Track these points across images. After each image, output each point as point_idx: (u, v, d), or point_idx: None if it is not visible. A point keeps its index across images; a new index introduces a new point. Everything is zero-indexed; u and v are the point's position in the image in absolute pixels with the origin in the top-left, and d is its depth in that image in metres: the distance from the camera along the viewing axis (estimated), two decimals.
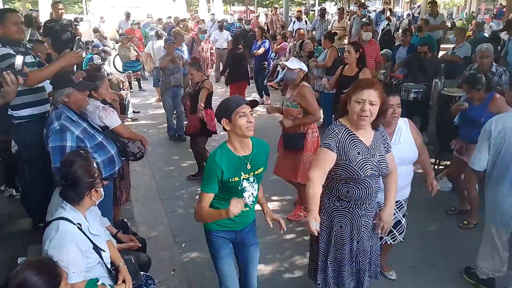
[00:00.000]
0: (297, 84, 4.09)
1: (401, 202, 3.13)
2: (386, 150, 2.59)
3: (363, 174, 2.43)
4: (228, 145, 2.45)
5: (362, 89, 2.39)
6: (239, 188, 2.45)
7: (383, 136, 2.61)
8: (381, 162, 2.49)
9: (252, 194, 2.53)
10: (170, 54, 7.02)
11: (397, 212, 3.10)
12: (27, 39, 3.60)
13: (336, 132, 2.49)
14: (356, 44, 5.44)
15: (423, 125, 6.59)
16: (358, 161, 2.43)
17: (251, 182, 2.49)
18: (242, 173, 2.43)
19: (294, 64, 4.08)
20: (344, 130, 2.49)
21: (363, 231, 2.60)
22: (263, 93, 9.46)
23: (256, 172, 2.50)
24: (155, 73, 9.32)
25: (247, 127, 2.35)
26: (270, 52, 9.65)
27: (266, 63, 9.31)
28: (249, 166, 2.45)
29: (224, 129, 2.43)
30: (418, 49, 6.76)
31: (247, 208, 2.53)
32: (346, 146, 2.45)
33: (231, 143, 2.44)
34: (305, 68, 4.14)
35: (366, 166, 2.44)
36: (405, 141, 2.98)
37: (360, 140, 2.48)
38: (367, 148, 2.48)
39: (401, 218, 3.18)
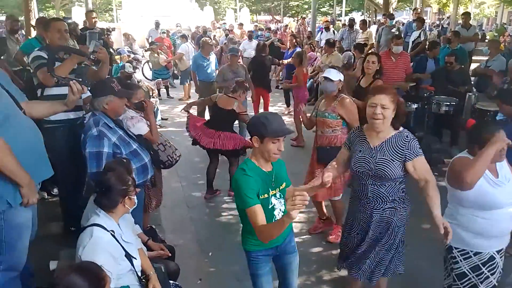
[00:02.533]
0: (336, 95, 4.01)
1: (502, 249, 2.76)
2: (399, 156, 2.67)
3: (355, 169, 2.77)
4: (253, 160, 2.44)
5: (375, 94, 2.67)
6: (269, 206, 2.42)
7: (402, 142, 2.68)
8: (379, 164, 2.67)
9: (281, 210, 2.50)
10: (232, 64, 7.03)
11: (499, 262, 2.75)
12: (91, 50, 3.72)
13: (352, 132, 2.96)
14: (379, 56, 5.37)
15: (453, 139, 6.44)
16: (356, 157, 2.77)
17: (278, 198, 2.49)
18: (269, 189, 2.42)
19: (335, 75, 4.00)
20: (358, 131, 2.88)
21: (361, 224, 2.88)
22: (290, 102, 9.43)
23: (281, 187, 2.51)
24: (185, 73, 9.73)
25: (275, 154, 2.35)
26: None
27: None
28: (273, 184, 2.45)
29: (250, 139, 2.42)
30: (445, 59, 6.66)
31: None
32: (354, 144, 2.85)
33: (256, 158, 2.43)
34: (342, 79, 4.09)
35: (360, 162, 2.74)
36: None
37: (367, 141, 2.77)
38: (371, 148, 2.73)
39: (500, 267, 2.78)
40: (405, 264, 3.02)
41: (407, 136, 2.71)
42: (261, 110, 8.17)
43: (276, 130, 2.30)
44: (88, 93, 4.06)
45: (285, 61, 9.12)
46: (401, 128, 2.76)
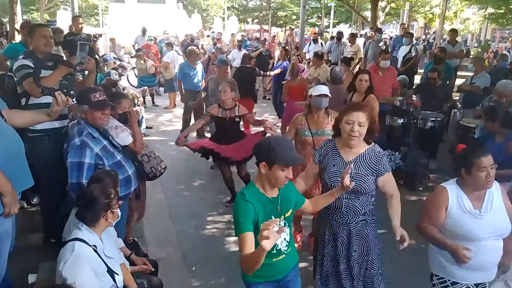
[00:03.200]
0: (326, 111, 3.96)
1: (485, 284, 2.66)
2: (372, 171, 2.73)
3: (329, 183, 2.75)
4: (257, 185, 2.29)
5: (352, 111, 2.68)
6: None
7: (376, 157, 2.74)
8: (354, 179, 2.65)
9: (285, 239, 2.38)
10: (219, 76, 6.88)
11: None
12: (77, 61, 3.64)
13: (322, 145, 2.92)
14: (369, 73, 5.43)
15: (432, 153, 6.53)
16: (330, 172, 2.77)
17: (282, 226, 2.32)
18: (273, 217, 2.25)
19: (327, 90, 3.95)
20: (331, 144, 2.86)
21: (336, 239, 2.85)
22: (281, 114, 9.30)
23: (286, 215, 2.36)
24: (170, 82, 9.80)
25: (282, 182, 2.23)
26: None
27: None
28: (279, 210, 2.31)
29: (256, 164, 2.25)
30: (428, 75, 6.80)
31: (283, 256, 2.39)
32: (326, 158, 2.82)
33: (260, 183, 2.29)
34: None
35: (334, 177, 2.74)
36: (498, 210, 2.54)
37: (340, 155, 2.78)
38: (345, 163, 2.74)
39: None
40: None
41: (379, 152, 2.78)
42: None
43: (287, 158, 2.17)
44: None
45: (272, 73, 9.08)
46: (372, 143, 2.82)
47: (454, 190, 2.57)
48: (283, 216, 2.33)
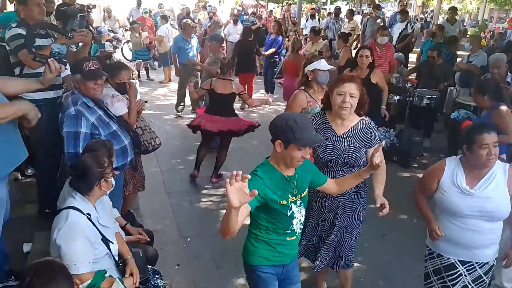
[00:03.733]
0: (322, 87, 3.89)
1: (472, 264, 2.61)
2: (364, 142, 2.73)
3: (323, 157, 2.74)
4: (272, 162, 2.20)
5: (343, 82, 2.65)
6: (288, 214, 2.19)
7: (367, 129, 2.75)
8: (347, 152, 2.70)
9: (300, 220, 2.29)
10: (213, 51, 6.93)
11: (465, 275, 2.64)
12: (70, 28, 3.57)
13: (313, 119, 2.84)
14: (371, 49, 5.39)
15: (427, 131, 6.57)
16: (322, 146, 2.72)
17: (298, 207, 2.25)
18: (289, 195, 2.18)
19: (328, 65, 3.90)
20: (322, 118, 2.82)
21: (327, 211, 2.88)
22: (269, 90, 9.32)
23: (302, 195, 2.28)
24: (164, 56, 9.72)
25: (298, 161, 2.13)
26: (282, 48, 9.53)
27: (277, 58, 9.13)
28: (295, 190, 2.22)
29: (272, 141, 2.15)
30: (428, 54, 6.77)
31: (295, 237, 2.32)
32: (318, 130, 2.74)
33: (276, 161, 2.19)
34: None
35: (327, 151, 2.72)
36: (495, 192, 2.45)
37: (332, 129, 2.75)
38: (337, 137, 2.73)
39: (468, 283, 2.64)
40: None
41: (370, 123, 2.79)
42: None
43: (306, 139, 2.07)
44: (67, 72, 3.94)
45: (267, 53, 8.98)
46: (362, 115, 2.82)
47: (453, 165, 2.56)
48: (299, 196, 2.25)
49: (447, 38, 8.03)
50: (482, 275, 2.61)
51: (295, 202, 2.22)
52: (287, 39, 11.12)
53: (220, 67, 5.23)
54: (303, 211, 2.30)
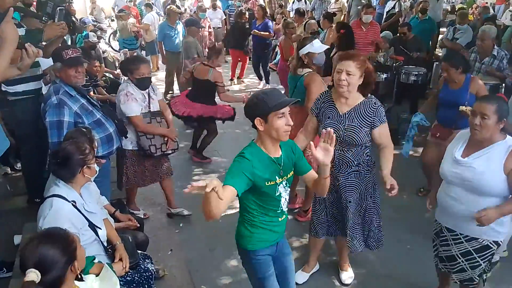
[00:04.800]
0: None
1: (456, 234, 2.63)
2: (366, 122, 2.72)
3: None
4: (258, 144, 2.16)
5: (342, 60, 2.69)
6: (276, 194, 2.19)
7: (370, 108, 2.73)
8: (347, 130, 2.71)
9: (286, 199, 2.30)
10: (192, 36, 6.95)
11: (451, 244, 2.67)
12: (45, 12, 3.49)
13: (318, 98, 2.93)
14: (339, 25, 5.38)
15: (412, 108, 6.58)
16: (325, 124, 2.74)
17: (284, 187, 2.25)
18: (276, 177, 2.17)
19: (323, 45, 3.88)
20: (326, 96, 2.86)
21: (330, 190, 2.84)
22: (264, 77, 9.02)
23: (288, 176, 2.26)
24: (151, 44, 9.77)
25: (285, 131, 2.07)
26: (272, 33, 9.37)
27: (269, 44, 8.94)
28: (281, 172, 2.20)
29: (253, 126, 2.12)
30: (398, 30, 6.94)
31: (284, 216, 2.33)
32: (322, 110, 2.84)
33: (262, 143, 2.15)
34: None
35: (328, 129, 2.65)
36: (482, 162, 2.43)
37: (335, 107, 2.78)
38: (339, 115, 2.75)
39: (457, 255, 2.65)
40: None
41: (375, 103, 2.76)
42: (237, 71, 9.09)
43: (278, 102, 2.03)
44: (49, 63, 3.90)
45: (262, 33, 8.69)
46: (368, 95, 2.79)
47: (461, 136, 2.61)
48: (286, 177, 2.24)
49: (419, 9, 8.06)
50: (472, 251, 2.57)
51: (281, 183, 2.21)
52: (274, 22, 11.05)
53: (207, 53, 5.20)
54: (288, 190, 2.30)
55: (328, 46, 3.94)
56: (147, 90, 3.67)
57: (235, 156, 2.14)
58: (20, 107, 3.59)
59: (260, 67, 8.91)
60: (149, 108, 3.68)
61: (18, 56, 3.21)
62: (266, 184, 2.12)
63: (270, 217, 2.24)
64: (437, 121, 4.25)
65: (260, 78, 9.10)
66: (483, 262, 2.59)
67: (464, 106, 3.72)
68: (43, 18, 3.52)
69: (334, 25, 6.73)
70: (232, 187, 1.95)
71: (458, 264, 2.65)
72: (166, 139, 3.75)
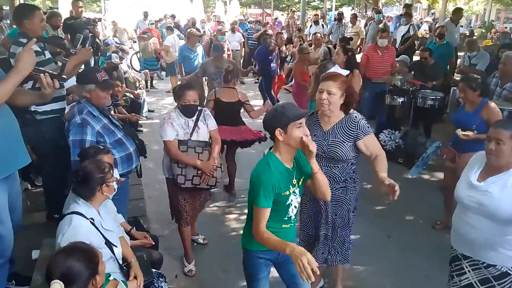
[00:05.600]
0: None
1: (474, 260, 2.55)
2: (349, 136, 2.82)
3: None
4: (277, 155, 2.28)
5: (324, 80, 2.82)
6: (287, 203, 2.31)
7: (351, 123, 2.84)
8: (331, 146, 2.82)
9: (295, 206, 2.39)
10: (216, 60, 6.78)
11: (469, 271, 2.59)
12: (79, 44, 3.66)
13: (307, 118, 2.94)
14: (346, 47, 5.41)
15: (426, 132, 6.59)
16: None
17: (295, 195, 2.36)
18: (290, 186, 2.30)
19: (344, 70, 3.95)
20: (314, 116, 2.97)
21: (318, 206, 2.98)
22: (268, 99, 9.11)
23: (299, 183, 2.39)
24: (171, 65, 9.89)
25: (303, 141, 2.19)
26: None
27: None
28: (294, 181, 2.33)
29: (271, 138, 2.27)
30: (419, 55, 6.91)
31: (291, 224, 2.42)
32: (309, 128, 2.72)
33: (280, 153, 2.27)
34: None
35: None
36: (499, 188, 2.37)
37: (320, 125, 2.90)
38: (324, 132, 2.86)
39: (475, 282, 2.55)
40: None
41: (356, 117, 2.87)
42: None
43: (297, 113, 2.20)
44: (72, 83, 4.04)
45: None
46: (351, 111, 2.89)
47: (477, 159, 2.56)
48: (297, 185, 2.36)
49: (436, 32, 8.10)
50: (492, 279, 2.48)
51: (294, 192, 2.33)
52: (291, 46, 11.22)
53: (224, 76, 5.14)
54: (299, 198, 2.41)
55: (348, 71, 3.95)
56: (193, 117, 3.55)
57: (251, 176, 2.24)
58: (46, 126, 3.73)
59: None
60: (190, 136, 3.51)
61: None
62: (282, 194, 2.25)
63: (274, 222, 2.29)
64: (450, 143, 4.23)
65: (265, 99, 9.17)
66: None
67: (460, 130, 3.73)
68: (71, 50, 3.66)
69: (338, 49, 6.81)
70: (269, 209, 2.21)
71: None
72: (199, 171, 3.51)
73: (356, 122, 2.84)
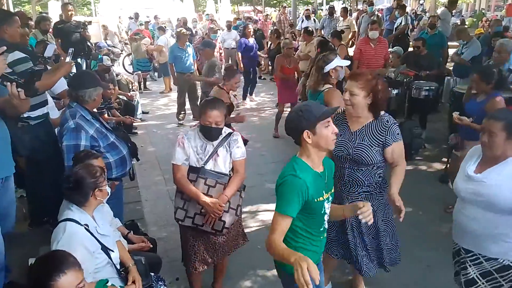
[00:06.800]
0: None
1: (475, 254, 2.52)
2: (378, 141, 2.68)
3: (334, 152, 2.71)
4: (304, 159, 2.10)
5: (348, 79, 2.74)
6: (322, 211, 2.14)
7: (382, 127, 2.69)
8: (356, 149, 2.69)
9: (328, 216, 2.26)
10: (206, 57, 6.92)
11: (470, 266, 2.55)
12: (49, 55, 3.60)
13: (335, 116, 2.83)
14: (324, 43, 5.44)
15: (422, 123, 6.55)
16: (336, 141, 2.53)
17: (328, 203, 2.21)
18: (323, 192, 2.12)
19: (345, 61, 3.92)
20: (341, 115, 2.84)
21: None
22: (249, 92, 9.52)
23: (332, 191, 2.25)
24: (165, 66, 9.83)
25: (333, 139, 2.08)
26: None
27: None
28: (327, 186, 2.18)
29: (296, 142, 2.11)
30: (413, 44, 6.93)
31: (325, 235, 2.32)
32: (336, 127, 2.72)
33: (308, 157, 2.10)
34: None
35: (339, 146, 2.69)
36: (495, 178, 2.34)
37: (347, 125, 2.78)
38: (350, 133, 2.75)
39: (477, 277, 2.51)
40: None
41: (387, 121, 2.70)
42: None
43: (323, 111, 2.04)
44: (63, 87, 3.99)
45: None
46: (382, 113, 2.74)
47: (475, 151, 2.53)
48: (329, 192, 2.21)
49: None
50: (493, 272, 2.45)
51: (327, 199, 2.18)
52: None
53: (225, 74, 4.99)
54: (330, 207, 2.26)
55: (349, 62, 3.93)
56: (215, 142, 2.88)
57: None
58: (40, 130, 3.70)
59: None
60: (204, 164, 2.86)
61: None
62: (316, 200, 2.08)
63: (313, 235, 2.17)
64: (458, 133, 4.21)
65: (244, 98, 9.30)
66: (506, 283, 2.43)
67: (457, 113, 3.72)
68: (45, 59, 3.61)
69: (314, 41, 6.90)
70: (291, 218, 1.99)
71: None
72: (203, 209, 2.88)
73: (387, 127, 2.68)
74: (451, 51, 7.92)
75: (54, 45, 3.90)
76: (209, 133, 2.82)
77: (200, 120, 2.84)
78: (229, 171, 2.93)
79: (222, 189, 2.87)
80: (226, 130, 2.93)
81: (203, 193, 2.83)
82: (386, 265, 3.00)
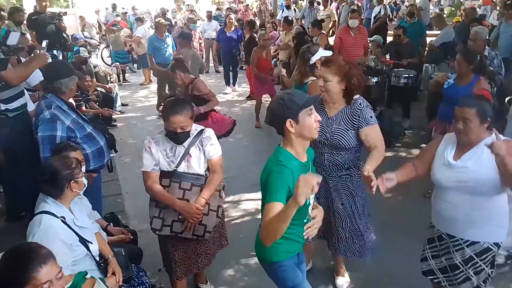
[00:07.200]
0: None
1: (457, 239, 2.52)
2: (352, 125, 2.73)
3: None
4: (288, 149, 2.07)
5: (321, 65, 2.80)
6: (307, 202, 2.03)
7: (355, 111, 2.73)
8: (333, 134, 2.74)
9: (310, 203, 2.20)
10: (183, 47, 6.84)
11: (453, 252, 2.56)
12: (12, 43, 3.50)
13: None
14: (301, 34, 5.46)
15: (405, 111, 6.62)
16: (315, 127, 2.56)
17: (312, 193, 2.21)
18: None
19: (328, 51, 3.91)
20: (319, 102, 2.81)
21: (320, 193, 2.88)
22: (232, 82, 9.48)
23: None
24: (143, 57, 9.65)
25: (316, 127, 2.05)
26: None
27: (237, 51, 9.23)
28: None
29: (279, 132, 2.07)
30: (393, 32, 6.94)
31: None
32: None
33: (292, 147, 2.07)
34: None
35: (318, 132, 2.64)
36: (475, 162, 2.37)
37: (325, 111, 2.80)
38: (327, 118, 2.78)
39: (459, 263, 2.53)
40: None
41: (360, 104, 2.75)
42: None
43: (307, 99, 2.03)
44: (39, 79, 3.90)
45: None
46: (356, 96, 2.77)
47: (449, 139, 2.55)
48: None
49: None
50: (474, 256, 2.49)
51: None
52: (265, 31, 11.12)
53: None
54: (314, 197, 2.22)
55: (331, 52, 3.91)
56: (186, 143, 2.71)
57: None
58: (19, 122, 3.64)
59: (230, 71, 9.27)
60: (176, 167, 2.70)
61: None
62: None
63: (297, 226, 2.13)
64: (437, 116, 4.24)
65: (228, 84, 9.36)
66: (486, 266, 2.49)
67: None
68: (3, 48, 3.54)
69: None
70: (281, 203, 1.89)
71: (462, 273, 2.54)
72: (181, 215, 2.72)
73: (359, 110, 2.72)
74: (430, 40, 8.01)
75: (18, 33, 3.78)
76: (175, 137, 2.66)
77: (165, 125, 2.66)
78: (205, 171, 2.79)
79: (198, 191, 2.71)
80: (197, 128, 2.77)
81: (179, 198, 2.67)
82: (367, 251, 3.04)
